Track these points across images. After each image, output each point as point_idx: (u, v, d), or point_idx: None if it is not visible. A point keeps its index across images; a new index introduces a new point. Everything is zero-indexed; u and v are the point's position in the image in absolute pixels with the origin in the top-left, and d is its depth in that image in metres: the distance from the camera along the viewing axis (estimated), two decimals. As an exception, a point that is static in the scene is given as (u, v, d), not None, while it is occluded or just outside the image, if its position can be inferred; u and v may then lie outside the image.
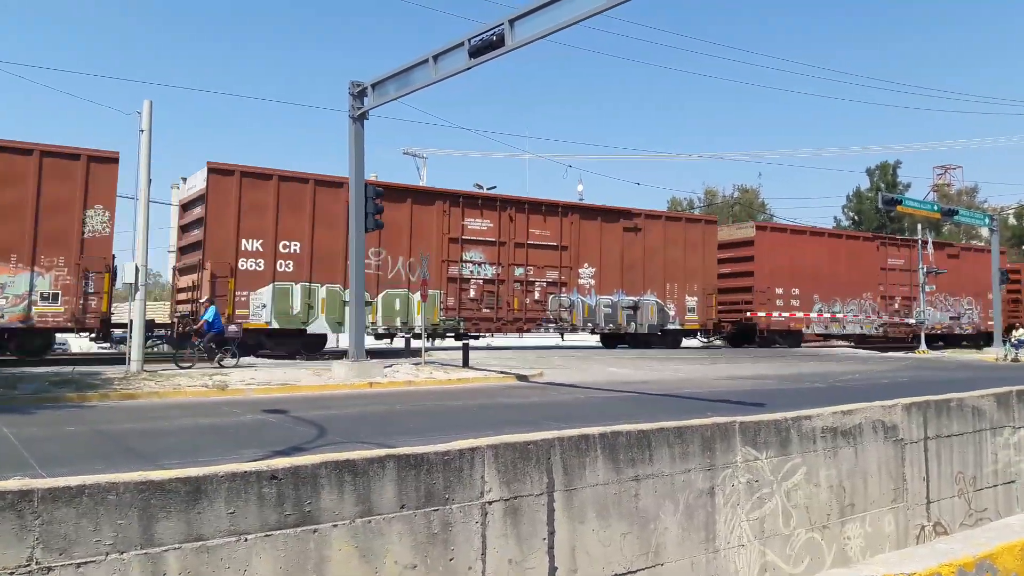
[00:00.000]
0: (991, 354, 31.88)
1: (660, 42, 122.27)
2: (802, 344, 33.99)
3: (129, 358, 15.71)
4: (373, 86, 17.06)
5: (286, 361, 20.16)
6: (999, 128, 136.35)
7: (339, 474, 4.35)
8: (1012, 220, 77.83)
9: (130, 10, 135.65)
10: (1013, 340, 31.19)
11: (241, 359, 18.64)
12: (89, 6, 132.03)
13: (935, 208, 33.39)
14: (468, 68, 14.72)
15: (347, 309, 17.60)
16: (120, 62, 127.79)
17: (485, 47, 14.21)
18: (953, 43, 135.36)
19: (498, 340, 29.59)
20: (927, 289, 34.29)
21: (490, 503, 4.91)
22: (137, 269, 15.49)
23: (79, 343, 31.60)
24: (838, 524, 6.92)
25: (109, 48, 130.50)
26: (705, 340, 32.87)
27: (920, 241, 34.15)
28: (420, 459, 4.66)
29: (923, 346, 33.24)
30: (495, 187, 56.38)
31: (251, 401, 13.40)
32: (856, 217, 69.62)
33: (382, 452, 4.58)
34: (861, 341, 36.61)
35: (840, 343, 39.09)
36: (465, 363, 19.52)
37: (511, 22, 13.72)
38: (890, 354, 31.89)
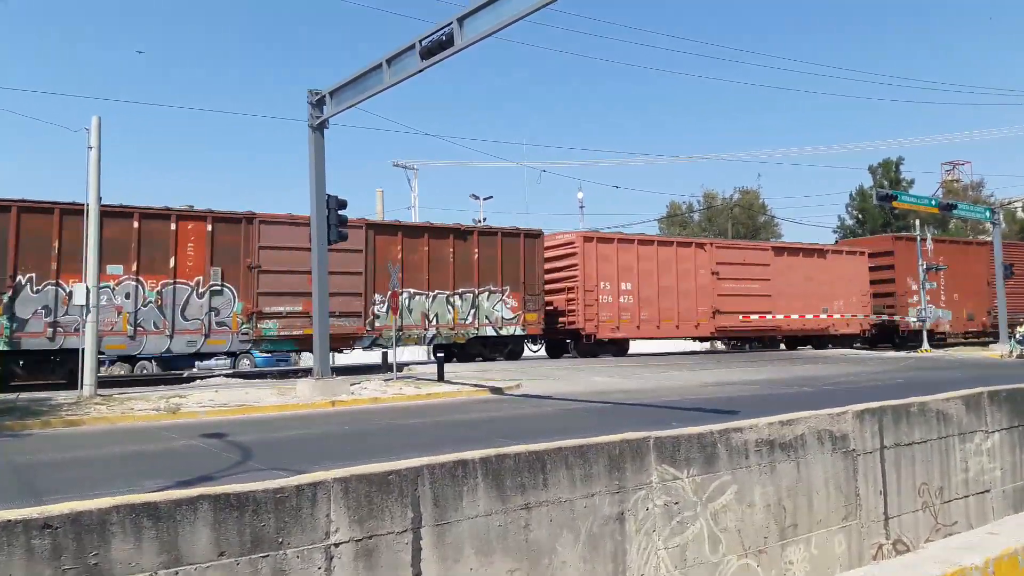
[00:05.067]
0: (996, 351, 30.99)
1: (657, 45, 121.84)
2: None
3: (81, 382, 15.17)
4: (331, 94, 16.56)
5: (254, 380, 19.60)
6: (1007, 119, 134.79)
7: (136, 519, 3.73)
8: (1021, 213, 76.63)
9: (76, 25, 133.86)
10: (1018, 336, 30.28)
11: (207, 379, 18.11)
12: (37, 21, 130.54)
13: (933, 203, 32.58)
14: (420, 70, 14.20)
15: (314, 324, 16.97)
16: (68, 78, 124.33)
17: (436, 47, 13.69)
18: (956, 36, 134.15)
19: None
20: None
21: (336, 545, 4.28)
22: (88, 290, 14.97)
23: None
24: (778, 547, 6.23)
25: (55, 63, 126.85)
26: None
27: (919, 239, 33.34)
28: (244, 499, 4.04)
29: (925, 344, 32.38)
30: (491, 197, 55.89)
31: (199, 425, 12.81)
32: (860, 216, 68.74)
33: (195, 492, 3.96)
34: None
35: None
36: (440, 377, 18.89)
37: (460, 20, 13.19)
38: (890, 354, 31.05)
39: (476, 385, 17.94)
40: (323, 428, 12.48)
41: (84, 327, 15.19)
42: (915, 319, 33.17)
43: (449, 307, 24.12)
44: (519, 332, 25.55)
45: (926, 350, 31.96)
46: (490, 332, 24.96)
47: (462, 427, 12.04)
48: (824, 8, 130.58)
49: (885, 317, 34.52)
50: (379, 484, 4.47)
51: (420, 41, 14.02)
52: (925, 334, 32.79)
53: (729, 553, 5.90)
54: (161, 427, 12.65)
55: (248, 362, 29.56)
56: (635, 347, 30.76)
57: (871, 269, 34.37)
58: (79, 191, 16.96)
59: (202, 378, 20.70)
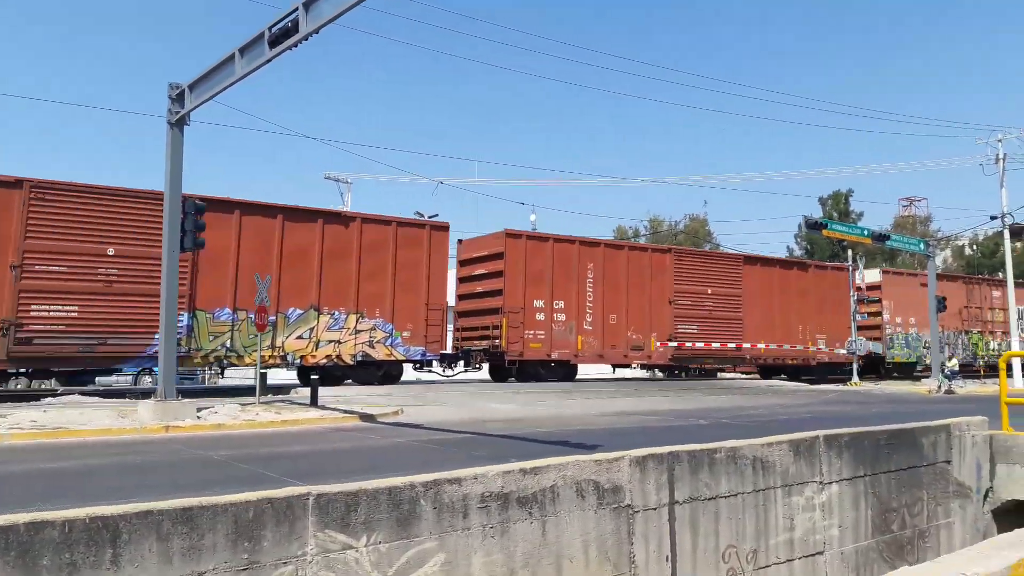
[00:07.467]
0: (925, 386, 30.20)
1: (609, 67, 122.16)
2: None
3: None
4: (191, 87, 15.18)
5: (102, 399, 17.96)
6: (960, 152, 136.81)
7: None
8: (968, 249, 77.13)
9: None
10: (946, 371, 29.51)
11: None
12: None
13: (865, 233, 31.82)
14: (269, 60, 13.04)
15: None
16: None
17: (281, 35, 12.48)
18: (914, 67, 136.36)
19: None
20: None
21: None
22: None
23: None
24: (504, 634, 4.87)
25: None
26: None
27: (850, 268, 32.60)
28: None
29: (855, 378, 31.51)
30: (436, 215, 54.66)
31: (-11, 450, 11.20)
32: (809, 246, 68.61)
33: None
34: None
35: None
36: (313, 402, 17.39)
37: (305, 6, 12.02)
38: (819, 387, 30.14)
39: (347, 411, 16.48)
40: (124, 458, 10.93)
41: None
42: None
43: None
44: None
45: (855, 383, 31.11)
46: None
47: (278, 461, 10.53)
48: (790, 40, 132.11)
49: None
50: None
51: (270, 29, 12.84)
52: (856, 367, 31.95)
53: (423, 646, 4.52)
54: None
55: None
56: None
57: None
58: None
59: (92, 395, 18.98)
